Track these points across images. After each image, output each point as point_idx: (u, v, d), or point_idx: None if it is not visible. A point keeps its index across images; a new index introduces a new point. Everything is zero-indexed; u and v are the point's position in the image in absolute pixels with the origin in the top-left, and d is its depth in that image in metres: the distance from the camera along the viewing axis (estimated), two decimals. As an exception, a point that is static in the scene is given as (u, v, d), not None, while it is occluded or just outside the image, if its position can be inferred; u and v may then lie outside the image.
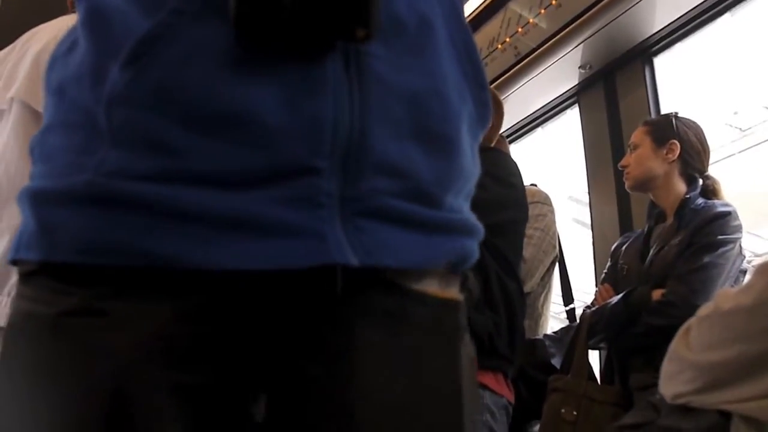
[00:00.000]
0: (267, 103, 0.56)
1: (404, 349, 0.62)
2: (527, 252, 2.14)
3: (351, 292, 0.59)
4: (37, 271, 0.59)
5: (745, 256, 2.09)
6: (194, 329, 0.58)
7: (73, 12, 1.43)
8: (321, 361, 0.60)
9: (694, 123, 2.29)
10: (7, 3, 2.28)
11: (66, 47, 0.65)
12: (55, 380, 0.56)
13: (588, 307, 2.26)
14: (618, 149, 3.08)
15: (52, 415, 0.55)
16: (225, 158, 0.55)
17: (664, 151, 2.22)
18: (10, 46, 1.44)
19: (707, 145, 2.28)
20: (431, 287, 0.65)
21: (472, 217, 0.69)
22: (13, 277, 1.25)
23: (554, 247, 2.34)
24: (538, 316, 2.35)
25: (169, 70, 0.56)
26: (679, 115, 2.31)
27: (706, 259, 1.97)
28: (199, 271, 0.54)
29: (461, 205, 0.69)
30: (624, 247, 2.33)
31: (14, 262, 0.62)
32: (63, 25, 1.37)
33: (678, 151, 2.21)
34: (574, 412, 1.97)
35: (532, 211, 2.11)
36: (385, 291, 0.62)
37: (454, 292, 0.68)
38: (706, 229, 2.02)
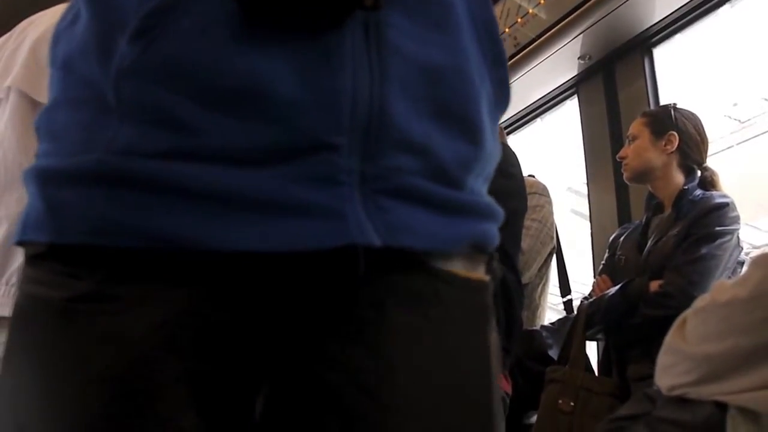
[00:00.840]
0: (282, 77, 0.54)
1: (435, 329, 0.60)
2: (525, 243, 2.14)
3: (377, 272, 0.57)
4: (45, 253, 0.56)
5: (742, 248, 2.09)
6: (210, 315, 0.55)
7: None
8: (349, 341, 0.57)
9: (693, 114, 2.29)
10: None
11: (69, 20, 0.63)
12: (64, 367, 0.54)
13: (585, 298, 2.26)
14: (617, 140, 3.07)
15: (61, 403, 0.53)
16: (239, 134, 0.53)
17: (663, 143, 2.22)
18: (7, 35, 1.44)
19: (706, 136, 2.28)
20: (457, 268, 0.63)
21: (492, 201, 0.67)
22: (13, 265, 1.25)
23: (552, 238, 2.34)
24: (535, 307, 2.35)
25: (180, 44, 0.54)
26: (677, 106, 2.31)
27: (704, 250, 1.98)
28: (215, 254, 0.52)
29: (481, 189, 0.67)
30: (622, 238, 2.33)
31: (20, 244, 0.60)
32: (60, 13, 1.36)
33: (676, 143, 2.21)
34: (572, 403, 1.98)
35: (530, 202, 2.11)
36: (412, 270, 0.60)
37: (481, 273, 0.66)
38: (703, 220, 2.02)
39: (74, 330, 0.54)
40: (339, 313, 0.58)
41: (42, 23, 1.36)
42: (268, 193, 0.52)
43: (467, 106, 0.63)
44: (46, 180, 0.57)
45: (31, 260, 0.59)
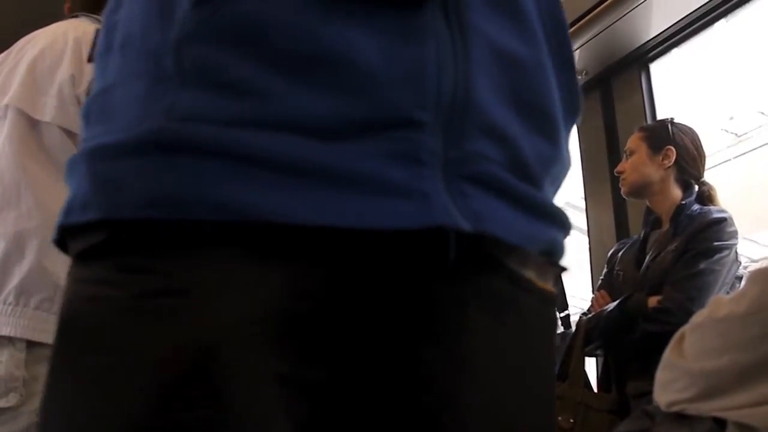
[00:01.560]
0: (365, 46, 0.50)
1: (512, 337, 0.57)
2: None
3: (460, 269, 0.52)
4: (98, 247, 0.49)
5: (741, 263, 2.09)
6: (294, 304, 0.49)
7: (71, 18, 1.44)
8: (427, 341, 0.53)
9: (690, 129, 2.30)
10: (2, 8, 2.29)
11: (113, 4, 0.59)
12: (132, 378, 0.46)
13: (584, 313, 2.26)
14: (614, 155, 3.08)
15: (134, 414, 0.45)
16: (316, 104, 0.48)
17: (660, 157, 2.23)
18: (5, 53, 1.44)
19: (703, 150, 2.29)
20: (531, 275, 0.59)
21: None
22: (11, 284, 1.24)
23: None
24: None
25: (254, 7, 0.49)
26: (674, 120, 2.32)
27: (702, 265, 1.98)
28: (293, 231, 0.46)
29: (552, 196, 0.63)
30: (620, 254, 2.33)
31: (64, 233, 0.53)
32: (59, 31, 1.37)
33: (674, 157, 2.21)
34: (571, 420, 1.97)
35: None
36: (493, 271, 0.56)
37: (550, 285, 0.62)
38: (701, 235, 2.02)
39: (139, 332, 0.47)
40: (419, 309, 0.54)
41: (40, 41, 1.37)
42: (347, 168, 0.48)
43: (545, 99, 0.60)
44: (97, 157, 0.51)
45: (80, 259, 0.52)
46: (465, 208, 0.51)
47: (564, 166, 0.64)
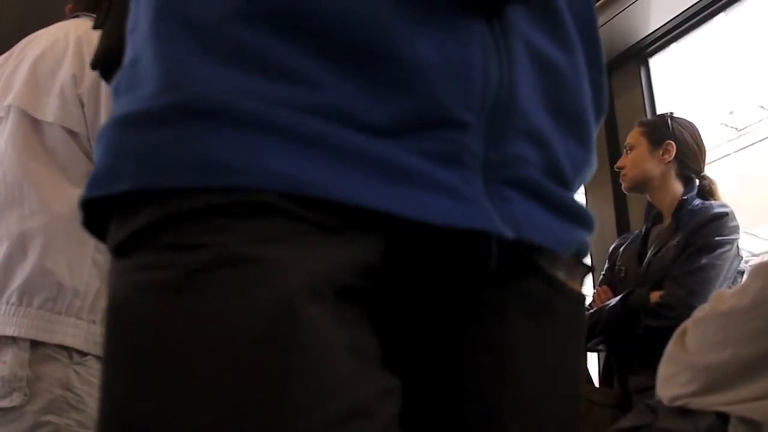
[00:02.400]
0: (416, 42, 0.48)
1: (547, 339, 0.57)
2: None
3: (499, 271, 0.52)
4: (139, 233, 0.45)
5: (742, 257, 2.09)
6: (355, 282, 0.47)
7: (72, 18, 1.44)
8: (468, 344, 0.54)
9: (690, 123, 2.30)
10: (5, 9, 2.28)
11: None
12: (191, 359, 0.42)
13: (586, 309, 2.26)
14: (614, 150, 3.08)
15: (197, 409, 0.41)
16: (364, 98, 0.47)
17: (660, 152, 2.22)
18: (8, 53, 1.44)
19: (703, 145, 2.29)
20: (561, 276, 0.59)
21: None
22: (13, 284, 1.23)
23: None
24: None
25: None
26: (674, 115, 2.31)
27: (704, 260, 1.98)
28: (344, 210, 0.45)
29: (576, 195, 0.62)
30: (622, 249, 2.33)
31: (88, 206, 0.49)
32: (60, 31, 1.37)
33: (674, 152, 2.21)
34: (573, 414, 1.98)
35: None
36: (529, 273, 0.56)
37: (579, 285, 0.63)
38: (703, 230, 2.02)
39: (195, 309, 0.43)
40: (461, 312, 0.54)
41: (42, 41, 1.37)
42: (392, 161, 0.47)
43: (580, 104, 0.60)
44: (125, 126, 0.48)
45: (119, 249, 0.48)
46: (505, 212, 0.51)
47: (593, 168, 0.64)
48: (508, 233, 0.50)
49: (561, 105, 0.57)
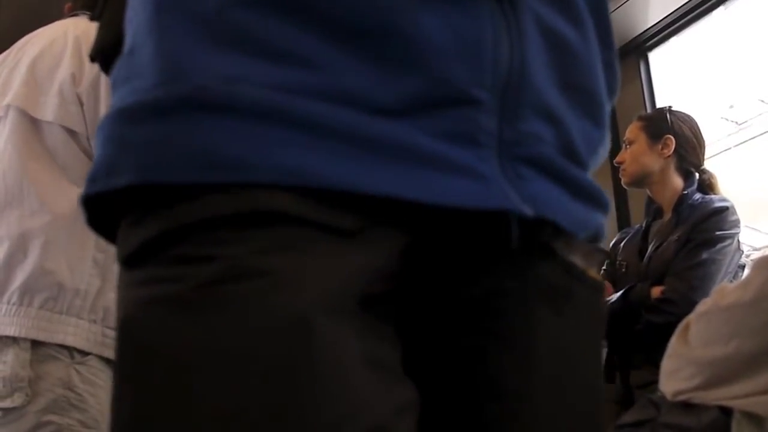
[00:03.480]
0: (424, 19, 0.47)
1: (568, 328, 0.56)
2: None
3: (519, 257, 0.51)
4: (148, 244, 0.44)
5: (743, 251, 2.10)
6: (373, 287, 0.45)
7: (70, 17, 1.43)
8: (487, 333, 0.53)
9: (689, 117, 2.29)
10: (3, 9, 2.28)
11: None
12: (201, 380, 0.41)
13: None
14: (614, 145, 3.08)
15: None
16: (373, 78, 0.46)
17: (660, 146, 2.22)
18: (6, 52, 1.44)
19: (702, 139, 2.28)
20: (578, 261, 0.58)
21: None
22: (14, 284, 1.24)
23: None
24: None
25: None
26: (673, 109, 2.31)
27: (704, 255, 1.98)
28: (360, 201, 0.44)
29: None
30: (622, 244, 2.33)
31: (90, 209, 0.48)
32: (59, 30, 1.36)
33: (673, 146, 2.21)
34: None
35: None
36: (548, 259, 0.55)
37: (596, 272, 0.60)
38: (703, 225, 2.02)
39: (210, 323, 0.41)
40: (483, 306, 0.53)
41: (40, 40, 1.36)
42: (406, 143, 0.45)
43: (592, 81, 0.59)
44: (124, 119, 0.47)
45: (129, 262, 0.47)
46: (523, 190, 0.49)
47: (606, 148, 0.62)
48: (528, 211, 0.48)
49: (573, 82, 0.56)
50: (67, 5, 1.50)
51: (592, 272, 0.59)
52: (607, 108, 0.62)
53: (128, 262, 0.47)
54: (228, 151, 0.43)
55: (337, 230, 0.44)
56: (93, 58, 0.68)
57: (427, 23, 0.47)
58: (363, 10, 0.47)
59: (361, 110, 0.45)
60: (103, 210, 0.49)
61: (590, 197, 0.57)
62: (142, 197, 0.45)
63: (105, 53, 0.65)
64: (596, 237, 0.59)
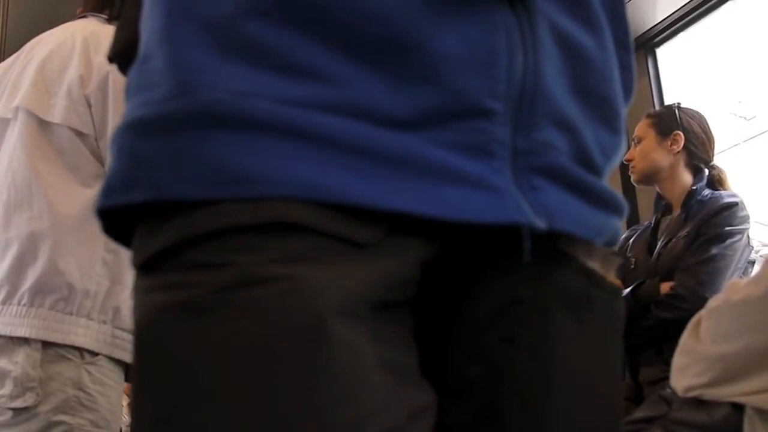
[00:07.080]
0: (437, 31, 0.47)
1: (588, 335, 0.55)
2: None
3: (536, 266, 0.50)
4: (166, 251, 0.45)
5: (753, 247, 2.09)
6: (386, 295, 0.46)
7: (81, 18, 1.43)
8: (516, 346, 0.52)
9: (698, 113, 2.29)
10: (12, 11, 2.29)
11: None
12: (217, 386, 0.41)
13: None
14: (623, 142, 3.07)
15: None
16: (386, 91, 0.46)
17: (669, 143, 2.21)
18: (15, 55, 1.44)
19: (711, 134, 2.27)
20: (596, 267, 0.57)
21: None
22: (24, 285, 1.24)
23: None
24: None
25: None
26: (682, 105, 2.30)
27: (714, 250, 1.97)
28: (373, 216, 0.44)
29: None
30: (631, 240, 2.32)
31: (106, 218, 0.49)
32: (67, 32, 1.37)
33: (682, 142, 2.20)
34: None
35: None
36: (566, 266, 0.55)
37: (614, 277, 0.60)
38: (713, 220, 2.02)
39: (225, 327, 0.42)
40: (501, 314, 0.53)
41: (49, 42, 1.37)
42: (419, 156, 0.45)
43: (608, 88, 0.58)
44: (138, 131, 0.46)
45: (144, 268, 0.47)
46: (536, 202, 0.49)
47: (622, 153, 0.62)
48: (541, 224, 0.48)
49: (588, 89, 0.56)
50: (79, 9, 1.50)
51: (611, 277, 0.59)
52: (623, 113, 0.61)
53: (144, 268, 0.47)
54: (242, 166, 0.43)
55: (353, 242, 0.44)
56: (111, 59, 0.67)
57: (441, 34, 0.47)
58: (377, 23, 0.46)
59: (375, 123, 0.45)
60: (117, 218, 0.49)
61: (606, 203, 0.57)
62: (158, 207, 0.45)
63: (123, 54, 0.64)
64: (612, 241, 0.59)
